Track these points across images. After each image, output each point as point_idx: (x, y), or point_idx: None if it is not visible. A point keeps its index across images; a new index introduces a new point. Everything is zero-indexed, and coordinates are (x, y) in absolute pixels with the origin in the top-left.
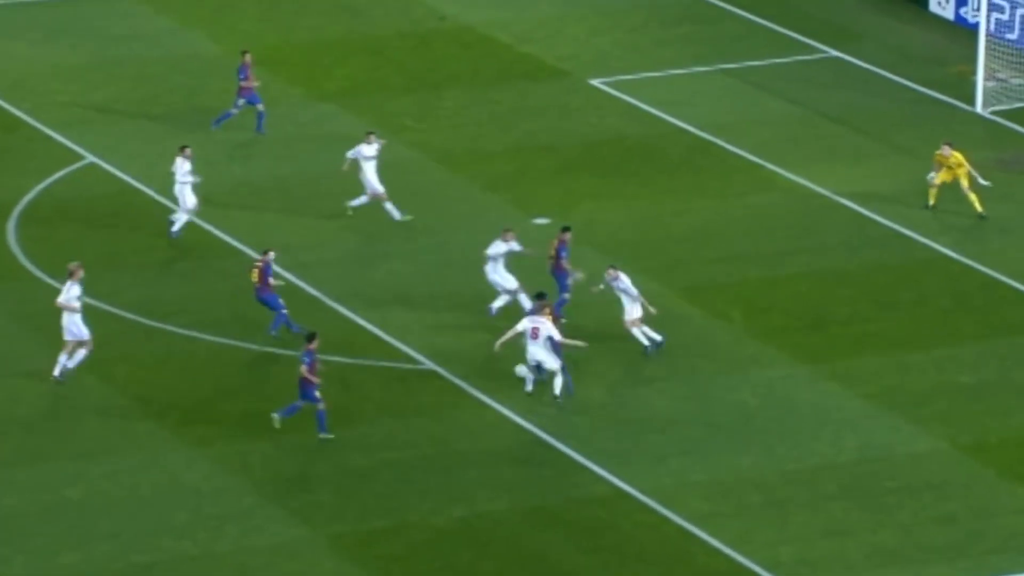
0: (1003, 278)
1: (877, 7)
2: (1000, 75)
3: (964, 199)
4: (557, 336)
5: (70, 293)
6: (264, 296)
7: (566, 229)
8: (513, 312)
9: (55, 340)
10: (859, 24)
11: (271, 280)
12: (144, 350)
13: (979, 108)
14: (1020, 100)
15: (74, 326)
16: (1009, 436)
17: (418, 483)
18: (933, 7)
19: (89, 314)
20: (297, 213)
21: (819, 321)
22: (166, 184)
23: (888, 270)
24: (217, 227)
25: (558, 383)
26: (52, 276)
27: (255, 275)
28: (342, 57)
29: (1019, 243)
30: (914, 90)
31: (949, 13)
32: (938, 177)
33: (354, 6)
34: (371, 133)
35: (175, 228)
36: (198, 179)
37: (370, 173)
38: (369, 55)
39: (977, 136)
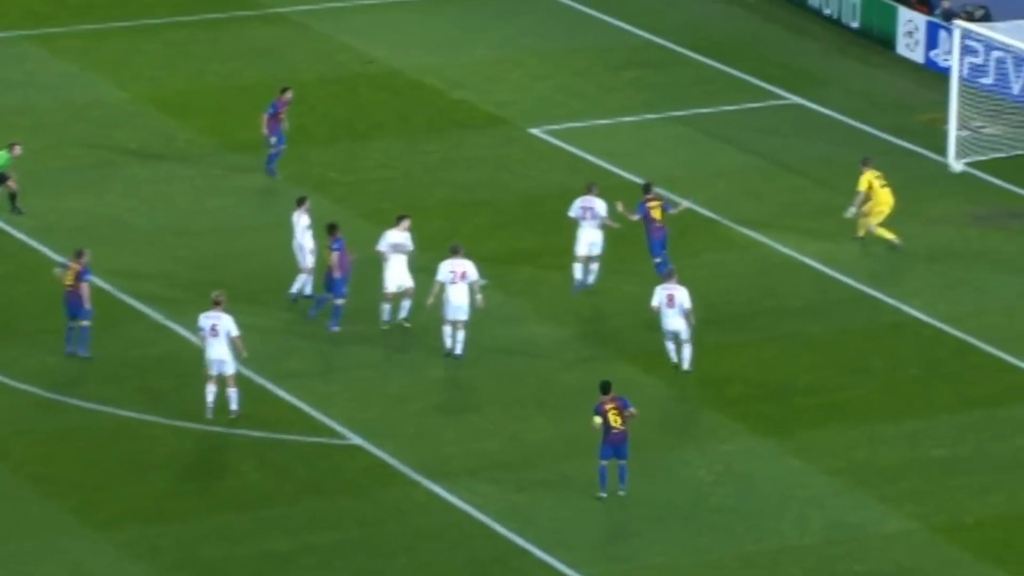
0: (978, 343)
1: (841, 50)
2: (974, 124)
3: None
4: (687, 305)
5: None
6: (72, 301)
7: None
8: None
9: None
10: (822, 68)
11: (85, 284)
12: (42, 424)
13: (951, 159)
14: (995, 151)
15: (230, 356)
16: (987, 515)
17: (343, 568)
18: (901, 50)
19: None
20: (209, 273)
21: (781, 390)
22: (66, 243)
23: (855, 335)
24: (121, 290)
25: (686, 355)
26: None
27: (69, 277)
28: (258, 104)
29: (995, 305)
30: (882, 139)
31: (919, 56)
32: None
33: (272, 49)
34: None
35: (294, 289)
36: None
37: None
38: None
39: (950, 189)
